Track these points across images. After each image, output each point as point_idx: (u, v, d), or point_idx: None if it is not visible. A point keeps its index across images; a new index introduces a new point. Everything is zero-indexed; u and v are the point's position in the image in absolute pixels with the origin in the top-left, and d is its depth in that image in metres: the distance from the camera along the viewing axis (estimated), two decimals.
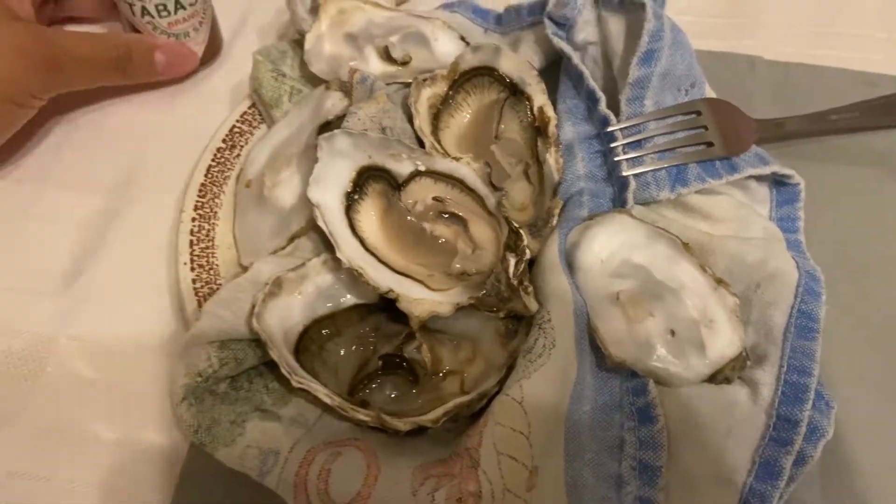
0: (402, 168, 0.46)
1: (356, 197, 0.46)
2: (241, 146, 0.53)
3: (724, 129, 0.49)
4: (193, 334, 0.41)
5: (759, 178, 0.50)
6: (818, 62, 0.61)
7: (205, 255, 0.48)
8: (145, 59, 0.56)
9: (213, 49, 0.61)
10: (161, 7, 0.54)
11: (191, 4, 0.55)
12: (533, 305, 0.43)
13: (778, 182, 0.51)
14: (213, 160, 0.51)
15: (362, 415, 0.40)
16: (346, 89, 0.49)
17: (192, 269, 0.47)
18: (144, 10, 0.54)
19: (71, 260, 0.51)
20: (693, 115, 0.49)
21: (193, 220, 0.49)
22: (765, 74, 0.61)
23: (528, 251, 0.43)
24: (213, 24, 0.60)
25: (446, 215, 0.46)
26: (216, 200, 0.50)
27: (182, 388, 0.40)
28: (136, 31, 0.56)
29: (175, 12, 0.55)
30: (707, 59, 0.57)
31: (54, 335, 0.48)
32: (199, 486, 0.43)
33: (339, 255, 0.43)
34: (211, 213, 0.50)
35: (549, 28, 0.51)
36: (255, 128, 0.54)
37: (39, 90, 0.51)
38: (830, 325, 0.42)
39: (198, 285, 0.46)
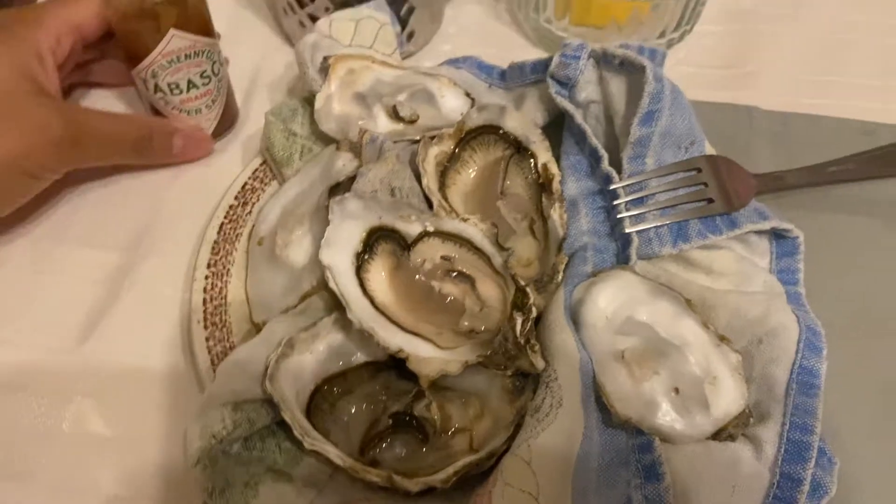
0: (412, 229, 0.47)
1: (366, 257, 0.47)
2: (253, 203, 0.54)
3: (724, 185, 0.50)
4: (209, 395, 0.42)
5: (759, 232, 0.51)
6: (816, 111, 0.62)
7: (217, 313, 0.49)
8: (165, 143, 0.57)
9: (228, 122, 0.61)
10: (174, 86, 0.55)
11: (203, 84, 0.56)
12: (539, 363, 0.44)
13: (777, 234, 0.52)
14: (225, 217, 0.52)
15: (373, 476, 0.41)
16: (356, 149, 0.51)
17: (206, 327, 0.48)
18: (157, 88, 0.55)
19: (86, 317, 0.52)
20: (693, 172, 0.50)
21: (206, 277, 0.50)
22: (763, 124, 0.61)
23: (534, 309, 0.44)
24: (229, 97, 0.60)
25: (454, 274, 0.47)
26: (229, 258, 0.51)
27: (197, 451, 0.41)
28: (152, 105, 0.58)
29: (188, 90, 0.56)
30: (705, 110, 0.58)
31: (69, 393, 0.48)
32: None
33: (349, 315, 0.44)
34: (224, 271, 0.51)
35: (553, 87, 0.53)
36: (266, 185, 0.55)
37: (56, 165, 0.52)
38: (831, 379, 0.43)
39: (210, 343, 0.47)
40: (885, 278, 0.53)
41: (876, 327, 0.51)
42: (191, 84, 0.55)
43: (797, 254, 0.52)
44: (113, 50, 0.60)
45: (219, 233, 0.52)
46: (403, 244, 0.47)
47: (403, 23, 0.63)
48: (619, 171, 0.50)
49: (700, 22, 0.69)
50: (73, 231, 0.56)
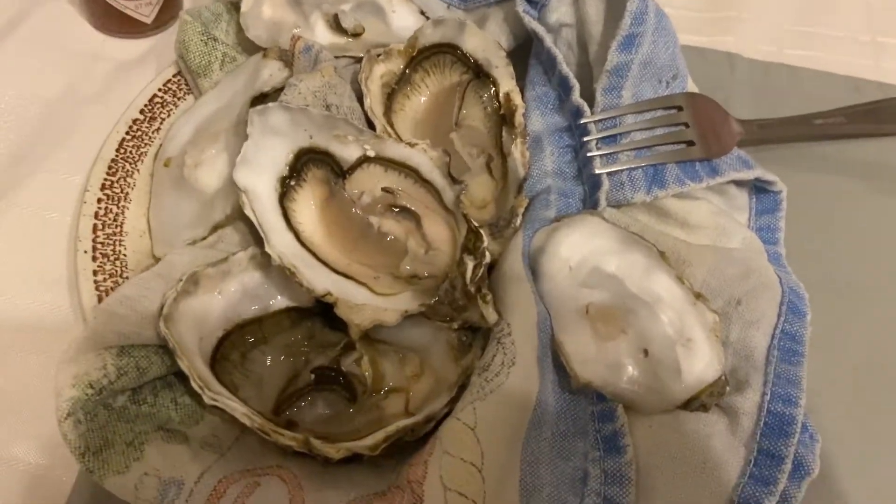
0: (349, 152, 0.40)
1: (292, 183, 0.40)
2: (163, 119, 0.47)
3: (706, 128, 0.45)
4: (87, 337, 0.35)
5: (739, 184, 0.47)
6: (800, 63, 0.59)
7: (110, 242, 0.42)
8: None
9: (171, 12, 0.55)
10: None
11: None
12: (491, 316, 0.38)
13: (758, 189, 0.48)
14: (127, 133, 0.45)
15: (287, 439, 0.34)
16: (287, 58, 0.44)
17: (94, 258, 0.41)
18: None
19: None
20: (674, 111, 0.45)
21: (99, 200, 0.43)
22: (744, 73, 0.58)
23: (487, 254, 0.39)
24: None
25: (397, 209, 0.41)
26: (128, 180, 0.44)
27: (69, 402, 0.34)
28: None
29: None
30: (685, 54, 0.53)
31: None
32: None
33: (268, 249, 0.37)
34: (121, 195, 0.43)
35: (520, 5, 0.47)
36: (180, 99, 0.48)
37: None
38: (811, 347, 0.39)
39: (100, 277, 0.40)
40: (866, 242, 0.50)
41: (854, 293, 0.47)
42: None
43: (779, 211, 0.48)
44: None
45: (118, 150, 0.45)
46: (338, 170, 0.40)
47: None
48: (592, 105, 0.45)
49: None
50: None
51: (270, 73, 0.43)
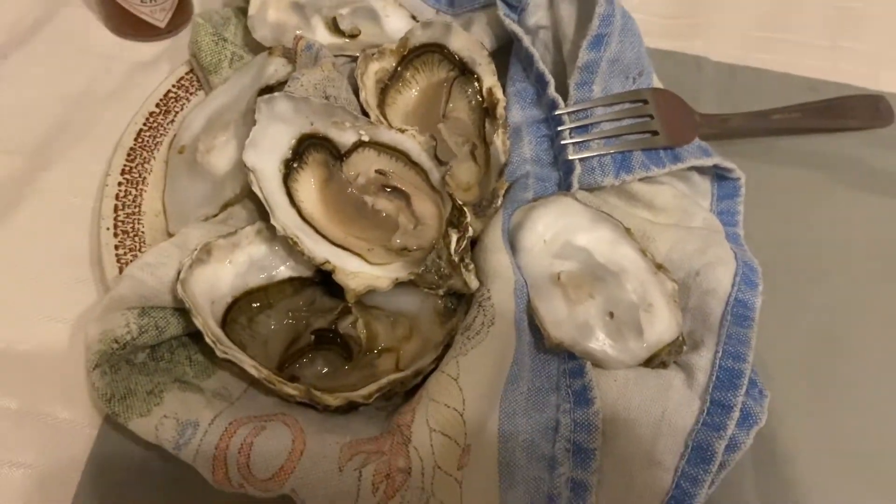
0: (345, 137, 0.44)
1: (295, 165, 0.44)
2: (176, 112, 0.50)
3: (670, 120, 0.49)
4: (112, 297, 0.39)
5: (701, 171, 0.51)
6: (763, 66, 0.62)
7: (130, 220, 0.45)
8: None
9: (184, 16, 0.58)
10: None
11: None
12: (473, 283, 0.42)
13: (720, 176, 0.52)
14: (144, 124, 0.49)
15: (290, 388, 0.38)
16: (290, 56, 0.48)
17: (116, 234, 0.44)
18: None
19: None
20: (640, 104, 0.49)
21: (120, 184, 0.46)
22: (711, 75, 0.61)
23: (470, 228, 0.42)
24: None
25: (389, 189, 0.45)
26: (146, 166, 0.48)
27: (97, 355, 0.38)
28: None
29: None
30: (655, 58, 0.57)
31: None
32: (110, 465, 0.40)
33: (273, 221, 0.41)
34: (139, 179, 0.47)
35: (502, 9, 0.51)
36: (192, 94, 0.51)
37: None
38: (766, 319, 0.43)
39: (121, 252, 0.44)
40: (819, 227, 0.54)
41: (810, 273, 0.51)
42: None
43: (738, 196, 0.51)
44: None
45: (136, 140, 0.48)
46: (336, 154, 0.44)
47: None
48: (566, 99, 0.49)
49: None
50: None
51: (275, 68, 0.47)
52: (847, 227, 0.54)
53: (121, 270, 0.43)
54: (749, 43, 0.64)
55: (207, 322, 0.39)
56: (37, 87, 0.55)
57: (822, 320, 0.49)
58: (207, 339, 0.38)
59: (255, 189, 0.41)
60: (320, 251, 0.41)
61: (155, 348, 0.40)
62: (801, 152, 0.57)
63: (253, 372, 0.38)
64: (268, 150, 0.42)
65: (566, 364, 0.41)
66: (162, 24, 0.57)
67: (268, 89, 0.46)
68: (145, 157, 0.48)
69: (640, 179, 0.48)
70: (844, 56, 0.64)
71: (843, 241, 0.53)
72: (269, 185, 0.42)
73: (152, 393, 0.38)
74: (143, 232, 0.45)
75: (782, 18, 0.67)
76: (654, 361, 0.41)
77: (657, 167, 0.48)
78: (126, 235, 0.45)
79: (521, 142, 0.49)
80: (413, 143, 0.44)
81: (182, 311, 0.40)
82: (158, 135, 0.49)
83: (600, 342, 0.41)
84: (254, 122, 0.42)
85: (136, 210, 0.46)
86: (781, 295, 0.46)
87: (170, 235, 0.46)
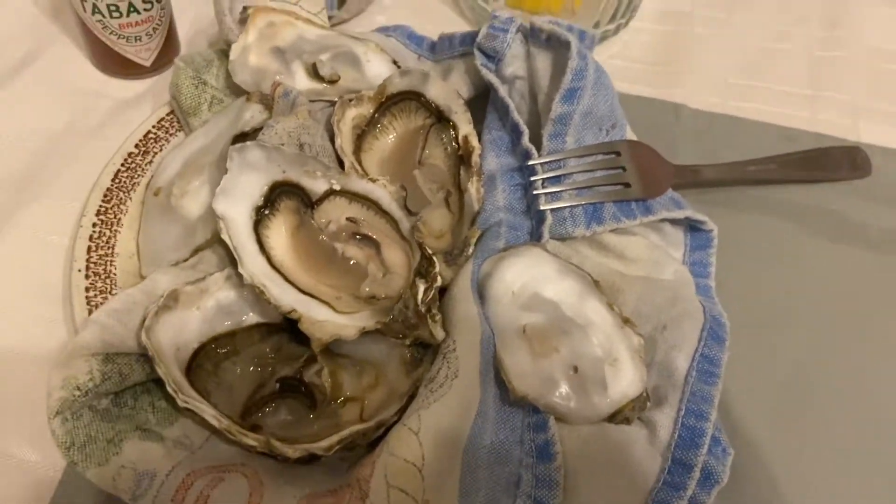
0: (317, 186, 0.45)
1: (266, 212, 0.44)
2: (155, 153, 0.51)
3: (642, 172, 0.50)
4: (76, 343, 0.39)
5: (673, 222, 0.51)
6: (741, 114, 0.63)
7: (102, 262, 0.46)
8: None
9: (168, 56, 0.59)
10: (113, 8, 0.52)
11: (145, 9, 0.53)
12: (439, 334, 0.42)
13: (692, 227, 0.52)
14: (122, 164, 0.49)
15: (250, 439, 0.38)
16: (268, 102, 0.48)
17: (87, 276, 0.45)
18: (95, 8, 0.52)
19: None
20: (612, 156, 0.49)
21: (94, 225, 0.47)
22: (689, 122, 0.62)
23: (439, 278, 0.43)
24: (171, 30, 0.58)
25: (359, 237, 0.45)
26: (121, 207, 0.48)
27: (57, 402, 0.37)
28: (89, 30, 0.54)
29: (127, 15, 0.53)
30: (634, 104, 0.58)
31: None
32: None
33: (241, 269, 0.41)
34: (114, 220, 0.47)
35: (479, 59, 0.52)
36: (171, 135, 0.52)
37: None
38: (733, 370, 0.43)
39: (91, 294, 0.44)
40: (794, 278, 0.54)
41: (780, 324, 0.51)
42: (131, 7, 0.52)
43: (710, 247, 0.51)
44: None
45: (113, 180, 0.49)
46: (308, 201, 0.45)
47: None
48: (539, 149, 0.49)
49: (636, 18, 0.69)
50: None
51: (252, 114, 0.48)
52: (820, 278, 0.54)
53: (90, 312, 0.44)
54: (728, 90, 0.65)
55: (170, 370, 0.39)
56: (20, 121, 0.56)
57: (791, 372, 0.49)
58: (169, 389, 0.38)
59: (225, 237, 0.42)
60: (287, 299, 0.41)
61: (119, 394, 0.40)
62: (775, 201, 0.57)
63: (214, 422, 0.38)
64: (239, 198, 0.43)
65: (530, 418, 0.41)
66: (147, 63, 0.58)
67: (243, 136, 0.47)
68: (121, 199, 0.48)
69: (612, 230, 0.48)
70: (823, 105, 0.65)
71: (815, 292, 0.53)
72: (239, 233, 0.42)
73: (112, 442, 0.38)
74: (115, 274, 0.46)
75: (763, 66, 0.67)
76: (618, 417, 0.41)
77: (628, 219, 0.48)
78: (98, 277, 0.45)
79: (494, 190, 0.49)
80: (384, 192, 0.44)
81: (147, 357, 0.40)
82: (136, 175, 0.50)
83: (564, 397, 0.41)
84: (226, 170, 0.42)
85: (110, 252, 0.46)
86: (750, 346, 0.46)
87: (142, 278, 0.46)
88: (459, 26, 0.68)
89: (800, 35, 0.70)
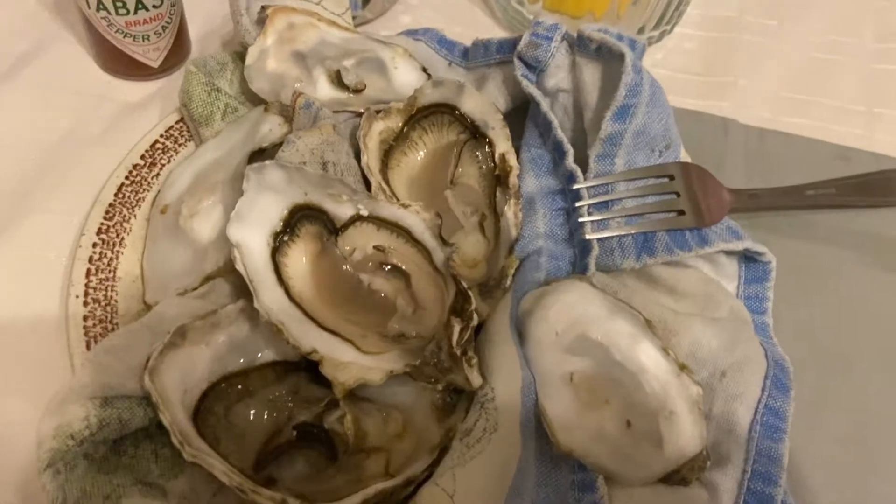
0: (342, 210, 0.40)
1: (286, 238, 0.40)
2: (163, 165, 0.47)
3: (697, 198, 0.45)
4: (71, 386, 0.35)
5: (728, 253, 0.47)
6: (793, 130, 0.59)
7: (102, 287, 0.42)
8: None
9: (178, 57, 0.55)
10: (119, 4, 0.48)
11: (154, 6, 0.50)
12: (476, 380, 0.38)
13: (748, 258, 0.48)
14: (126, 178, 0.45)
15: (265, 498, 0.34)
16: (287, 114, 0.44)
17: (86, 303, 0.41)
18: (100, 4, 0.48)
19: None
20: (665, 180, 0.45)
21: (94, 245, 0.43)
22: (738, 138, 0.58)
23: (475, 316, 0.38)
24: (181, 29, 0.54)
25: (387, 267, 0.41)
26: (125, 224, 0.44)
27: (48, 453, 0.33)
28: (94, 28, 0.51)
29: (135, 12, 0.49)
30: (679, 117, 0.53)
31: None
32: None
33: (257, 305, 0.37)
34: (117, 240, 0.43)
35: (519, 69, 0.47)
36: (181, 145, 0.48)
37: None
38: (796, 417, 0.39)
39: (89, 323, 0.40)
40: (854, 312, 0.49)
41: (840, 367, 0.47)
42: (139, 4, 0.49)
43: (767, 280, 0.47)
44: None
45: (116, 195, 0.45)
46: (331, 227, 0.41)
47: None
48: (585, 171, 0.45)
49: (681, 24, 0.65)
50: None
51: (270, 127, 0.43)
52: (885, 315, 0.49)
53: (88, 343, 0.40)
54: (779, 105, 0.61)
55: (176, 418, 0.35)
56: (19, 125, 0.52)
57: (855, 424, 0.44)
58: (175, 440, 0.34)
59: (239, 267, 0.37)
60: (308, 339, 0.37)
61: (118, 441, 0.36)
62: (833, 229, 0.53)
63: (224, 479, 0.34)
64: (255, 224, 0.39)
65: (576, 475, 0.37)
66: (155, 64, 0.54)
67: (260, 152, 0.42)
68: (125, 216, 0.44)
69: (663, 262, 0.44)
70: (879, 122, 0.61)
71: (879, 331, 0.48)
72: (255, 263, 0.38)
73: (109, 498, 0.34)
74: (115, 300, 0.42)
75: (815, 79, 0.63)
76: (675, 478, 0.37)
77: (683, 250, 0.44)
78: (97, 304, 0.41)
79: (534, 214, 0.45)
80: (416, 220, 0.40)
81: (150, 399, 0.36)
82: (142, 189, 0.46)
83: (615, 454, 0.37)
84: (241, 192, 0.38)
85: (111, 275, 0.42)
86: (808, 393, 0.42)
87: (146, 304, 0.42)
88: (490, 28, 0.64)
89: (853, 46, 0.66)
